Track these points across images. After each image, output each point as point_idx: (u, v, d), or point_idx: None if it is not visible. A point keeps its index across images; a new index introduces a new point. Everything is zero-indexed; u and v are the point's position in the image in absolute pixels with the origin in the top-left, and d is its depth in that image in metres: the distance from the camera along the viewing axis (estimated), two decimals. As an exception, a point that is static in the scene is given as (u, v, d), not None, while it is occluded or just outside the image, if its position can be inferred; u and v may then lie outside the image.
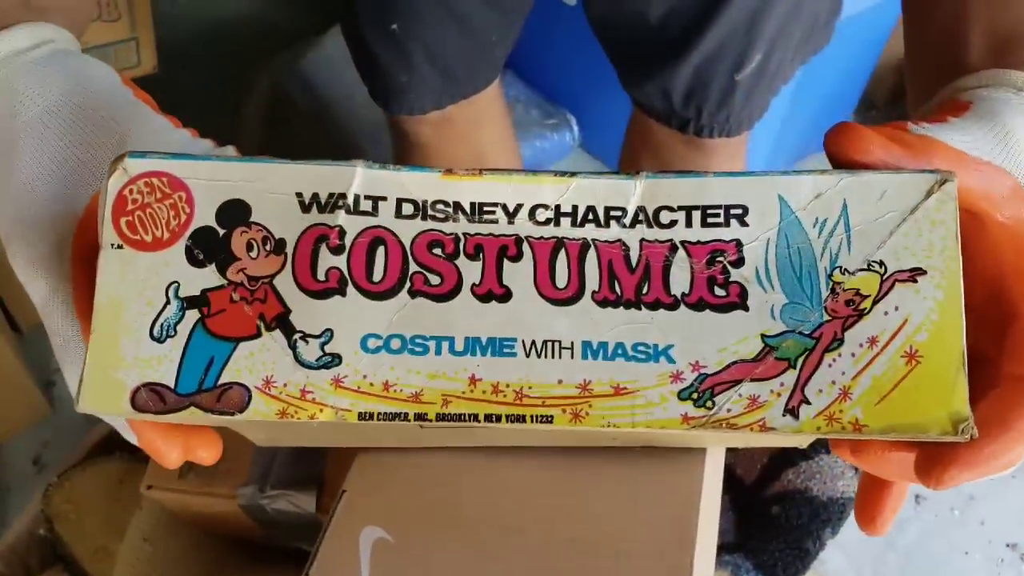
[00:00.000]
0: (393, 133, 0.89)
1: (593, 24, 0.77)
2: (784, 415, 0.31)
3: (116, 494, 0.62)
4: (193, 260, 0.32)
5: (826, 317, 0.32)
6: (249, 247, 0.32)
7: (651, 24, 0.70)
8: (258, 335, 0.32)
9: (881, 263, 0.32)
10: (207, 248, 0.32)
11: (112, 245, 0.32)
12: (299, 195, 0.32)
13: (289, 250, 0.32)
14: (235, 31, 1.34)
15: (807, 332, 0.32)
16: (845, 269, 0.32)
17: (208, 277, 0.32)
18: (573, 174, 0.33)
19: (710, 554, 0.42)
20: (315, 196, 0.32)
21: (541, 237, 0.33)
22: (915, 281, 0.32)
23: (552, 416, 0.32)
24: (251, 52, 1.32)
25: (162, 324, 0.32)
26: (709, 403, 0.32)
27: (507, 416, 0.32)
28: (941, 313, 0.31)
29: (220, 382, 0.32)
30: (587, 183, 0.33)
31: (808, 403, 0.31)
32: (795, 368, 0.32)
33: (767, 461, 0.54)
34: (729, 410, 0.32)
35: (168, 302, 0.32)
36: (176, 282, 0.32)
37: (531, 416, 0.32)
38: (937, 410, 0.31)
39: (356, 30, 0.77)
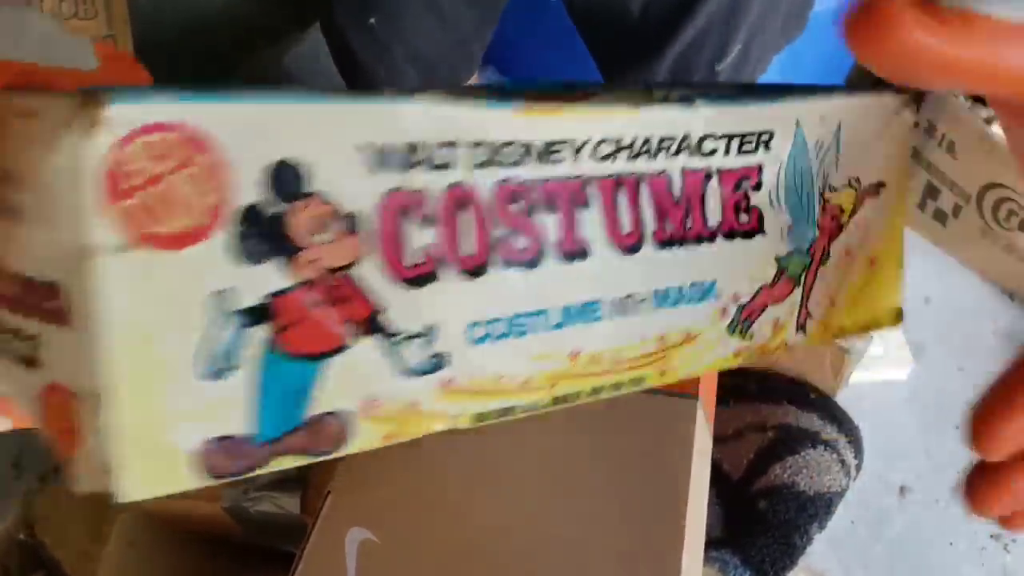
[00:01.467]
0: None
1: (573, 16, 0.77)
2: (797, 332, 0.33)
3: (100, 497, 0.61)
4: (245, 254, 0.22)
5: (817, 233, 0.33)
6: (315, 228, 0.23)
7: (632, 15, 0.70)
8: (347, 346, 0.24)
9: (857, 179, 0.34)
10: (261, 235, 0.22)
11: (113, 249, 0.20)
12: (360, 149, 0.23)
13: (369, 227, 0.24)
14: (214, 28, 1.33)
15: (805, 249, 0.33)
16: (832, 187, 0.33)
17: (270, 277, 0.22)
18: (639, 103, 0.29)
19: (698, 550, 0.42)
20: (381, 150, 0.24)
21: (603, 176, 0.29)
22: (877, 195, 0.34)
23: (644, 376, 0.30)
24: (231, 49, 1.31)
25: (217, 354, 0.22)
26: (748, 334, 0.32)
27: (609, 386, 0.30)
28: (890, 219, 0.35)
29: (310, 415, 0.24)
30: (652, 116, 0.29)
31: (811, 317, 0.33)
32: (800, 285, 0.33)
33: (753, 456, 0.54)
34: (764, 335, 0.32)
35: (219, 320, 0.22)
36: (226, 289, 0.22)
37: (627, 381, 0.30)
38: (889, 303, 0.35)
39: (334, 25, 0.76)
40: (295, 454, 0.23)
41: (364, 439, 0.24)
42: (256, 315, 0.22)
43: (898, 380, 1.03)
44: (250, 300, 0.22)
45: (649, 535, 0.40)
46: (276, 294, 0.23)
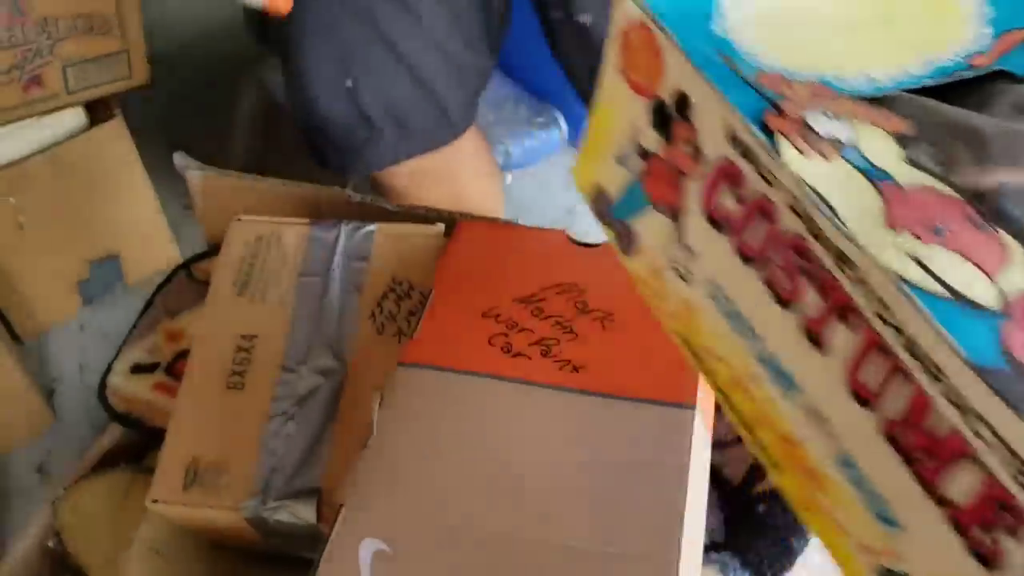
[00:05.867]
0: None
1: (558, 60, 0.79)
2: None
3: (123, 504, 0.63)
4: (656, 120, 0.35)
5: None
6: (685, 139, 0.34)
7: None
8: (658, 209, 0.36)
9: None
10: (663, 118, 0.35)
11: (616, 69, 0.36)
12: (727, 123, 0.31)
13: (708, 166, 0.33)
14: (222, 35, 1.35)
15: None
16: None
17: (653, 140, 0.35)
18: None
19: (696, 553, 0.44)
20: (736, 135, 0.31)
21: None
22: None
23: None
24: (239, 55, 1.33)
25: (621, 154, 0.37)
26: None
27: None
28: None
29: (626, 222, 0.38)
30: None
31: None
32: None
33: (754, 461, 0.56)
34: None
35: (631, 136, 0.36)
36: (640, 129, 0.36)
37: None
38: None
39: (307, 92, 0.77)
40: (610, 227, 0.40)
41: (631, 265, 0.39)
42: (643, 154, 0.36)
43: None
44: (645, 144, 0.36)
45: (648, 541, 0.42)
46: (652, 153, 0.36)
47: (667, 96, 0.34)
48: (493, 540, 0.42)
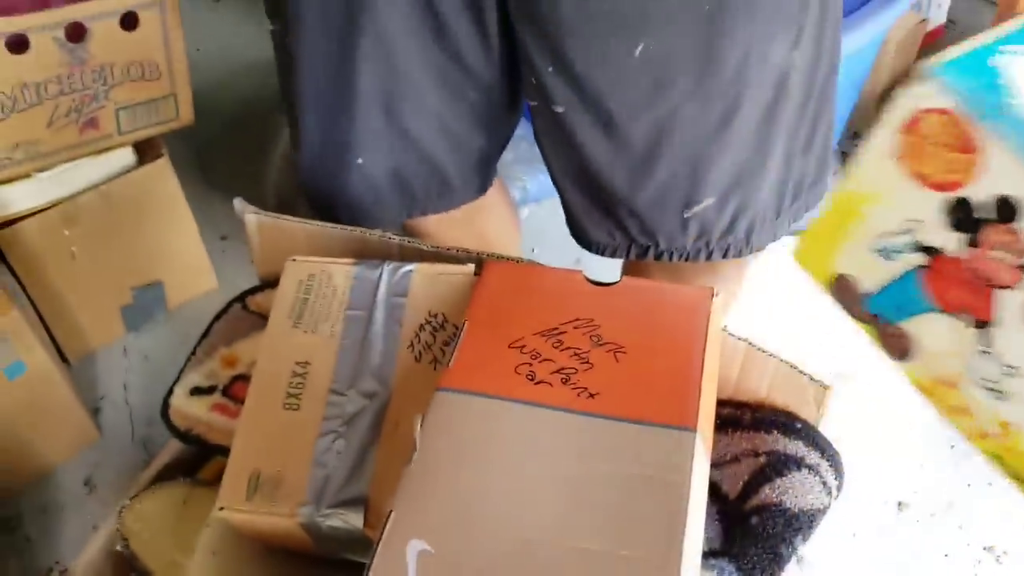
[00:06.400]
0: None
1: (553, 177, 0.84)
2: None
3: (182, 514, 0.70)
4: (952, 220, 0.32)
5: None
6: (997, 243, 0.31)
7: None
8: (954, 317, 0.33)
9: None
10: (963, 217, 0.32)
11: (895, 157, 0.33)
12: None
13: None
14: (262, 72, 1.42)
15: None
16: None
17: (950, 239, 0.33)
18: None
19: (695, 560, 0.51)
20: None
21: None
22: None
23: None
24: (277, 94, 1.41)
25: (889, 247, 0.33)
26: None
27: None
28: None
29: (901, 324, 0.35)
30: None
31: None
32: None
33: (748, 478, 0.63)
34: None
35: (905, 233, 0.33)
36: (923, 222, 0.32)
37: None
38: None
39: (320, 167, 0.83)
40: (864, 321, 0.37)
41: (908, 371, 0.36)
42: (925, 251, 0.33)
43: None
44: (928, 241, 0.32)
45: (654, 545, 0.48)
46: (939, 252, 0.32)
47: (982, 197, 0.32)
48: (518, 542, 0.49)
